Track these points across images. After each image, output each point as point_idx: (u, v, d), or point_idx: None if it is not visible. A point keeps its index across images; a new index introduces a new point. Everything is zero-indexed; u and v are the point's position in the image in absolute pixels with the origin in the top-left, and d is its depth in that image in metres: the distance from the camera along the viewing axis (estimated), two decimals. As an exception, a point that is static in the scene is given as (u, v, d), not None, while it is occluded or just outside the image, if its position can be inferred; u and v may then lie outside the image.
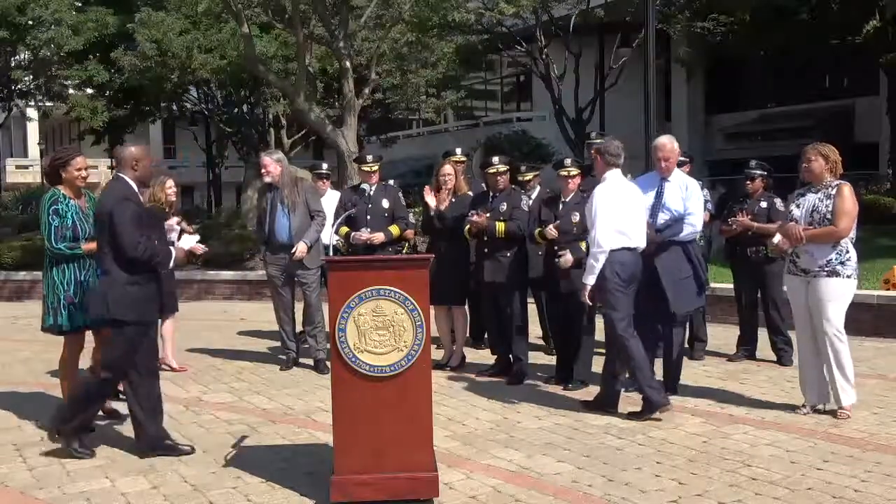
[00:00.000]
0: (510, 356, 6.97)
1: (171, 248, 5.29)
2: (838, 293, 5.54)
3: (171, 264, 5.20)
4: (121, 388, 6.41)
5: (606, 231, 5.62)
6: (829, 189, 5.56)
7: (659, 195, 6.15)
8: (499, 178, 7.02)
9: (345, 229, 7.29)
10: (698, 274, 6.13)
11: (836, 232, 5.50)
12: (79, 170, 5.44)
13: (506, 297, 6.85)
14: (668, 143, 6.17)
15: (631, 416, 5.65)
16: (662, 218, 6.09)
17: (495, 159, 7.10)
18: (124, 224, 4.81)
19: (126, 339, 4.92)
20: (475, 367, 7.29)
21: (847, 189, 5.53)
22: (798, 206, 5.66)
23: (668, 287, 5.95)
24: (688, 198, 6.12)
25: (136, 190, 5.05)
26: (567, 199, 6.56)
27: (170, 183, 7.12)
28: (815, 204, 5.59)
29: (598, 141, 7.71)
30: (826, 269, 5.54)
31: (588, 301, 5.78)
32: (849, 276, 5.54)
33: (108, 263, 4.89)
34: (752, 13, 19.79)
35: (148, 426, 5.04)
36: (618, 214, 5.67)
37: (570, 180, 6.54)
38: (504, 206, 6.88)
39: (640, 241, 5.77)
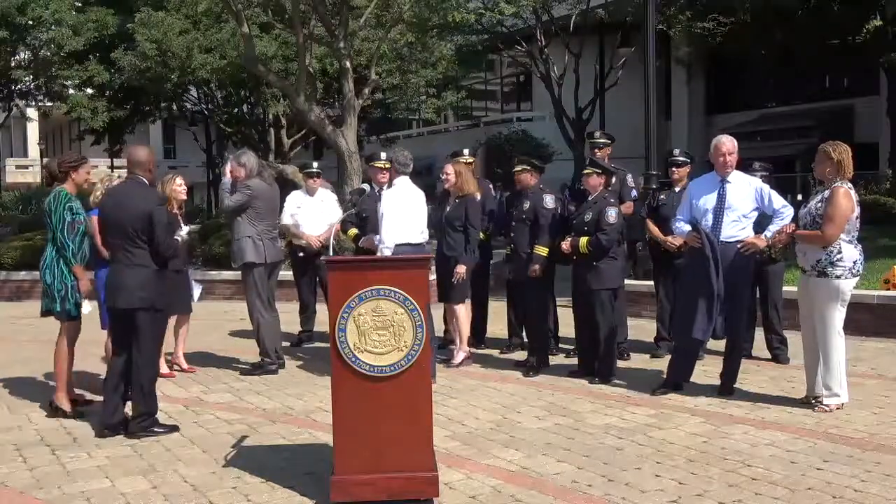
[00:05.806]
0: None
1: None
2: (827, 294, 5.55)
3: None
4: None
5: (390, 230, 6.46)
6: (826, 191, 5.57)
7: (721, 198, 6.01)
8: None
9: (354, 231, 7.27)
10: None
11: (821, 237, 5.50)
12: (88, 173, 6.06)
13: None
14: (727, 142, 6.05)
15: None
16: (729, 219, 5.97)
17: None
18: (162, 224, 5.41)
19: (158, 325, 5.49)
20: (477, 364, 7.31)
21: (840, 193, 5.47)
22: (805, 205, 5.74)
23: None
24: (761, 196, 6.01)
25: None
26: (589, 198, 6.83)
27: (179, 180, 7.39)
28: (812, 204, 5.63)
29: (602, 140, 7.73)
30: (816, 269, 5.58)
31: None
32: (838, 277, 5.53)
33: (142, 258, 5.35)
34: (752, 13, 19.80)
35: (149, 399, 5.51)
36: (402, 215, 6.52)
37: (589, 179, 6.81)
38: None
39: (420, 238, 6.65)
